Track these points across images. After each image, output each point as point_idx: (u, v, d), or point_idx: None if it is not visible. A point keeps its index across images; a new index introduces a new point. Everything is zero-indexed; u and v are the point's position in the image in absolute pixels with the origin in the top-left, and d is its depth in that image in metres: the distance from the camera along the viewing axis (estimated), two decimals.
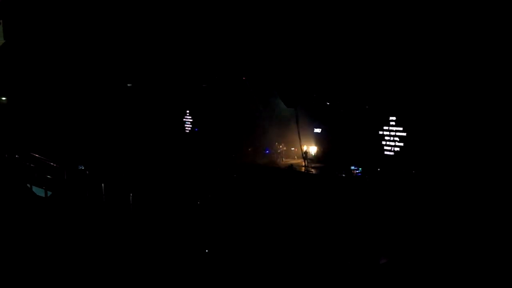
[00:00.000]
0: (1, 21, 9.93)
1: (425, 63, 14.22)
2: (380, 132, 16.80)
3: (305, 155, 19.65)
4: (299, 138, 19.37)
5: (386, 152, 16.58)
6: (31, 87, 14.49)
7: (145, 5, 13.03)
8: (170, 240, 7.66)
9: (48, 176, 9.13)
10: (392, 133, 16.44)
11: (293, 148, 21.46)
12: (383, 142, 16.71)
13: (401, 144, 16.13)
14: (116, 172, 12.42)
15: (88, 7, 12.03)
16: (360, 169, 16.97)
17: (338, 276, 7.26)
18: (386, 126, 16.62)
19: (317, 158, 20.18)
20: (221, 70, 20.97)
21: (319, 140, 20.52)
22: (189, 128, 25.71)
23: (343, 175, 16.71)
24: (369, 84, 16.47)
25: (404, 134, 16.03)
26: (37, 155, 9.78)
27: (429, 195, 12.39)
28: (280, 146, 21.08)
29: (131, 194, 8.74)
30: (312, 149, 20.69)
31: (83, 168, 10.88)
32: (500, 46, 12.25)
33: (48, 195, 8.75)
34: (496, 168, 12.50)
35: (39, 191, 8.78)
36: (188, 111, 25.66)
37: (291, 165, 18.83)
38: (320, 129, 20.48)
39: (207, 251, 7.55)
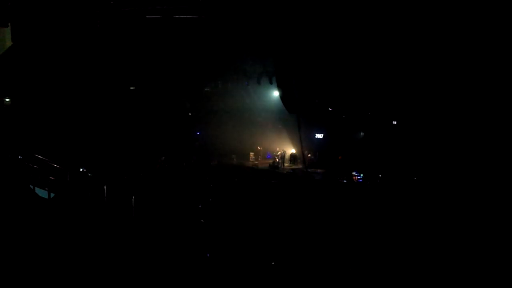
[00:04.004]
0: (9, 24, 10.08)
1: (428, 69, 14.28)
2: (382, 138, 16.85)
3: (306, 160, 19.69)
4: (301, 144, 19.42)
5: (387, 158, 16.60)
6: (36, 89, 14.60)
7: (148, 9, 13.14)
8: (171, 243, 7.68)
9: (51, 178, 9.17)
10: (394, 139, 16.49)
11: (293, 151, 21.55)
12: (385, 148, 16.75)
13: (403, 150, 16.16)
14: (118, 174, 12.47)
15: (93, 12, 12.15)
16: (361, 175, 17.00)
17: (339, 282, 7.26)
18: (388, 132, 16.68)
19: (318, 164, 20.24)
20: (223, 74, 21.08)
21: (321, 145, 20.59)
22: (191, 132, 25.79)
23: (344, 181, 16.73)
24: (371, 90, 16.53)
25: (406, 140, 16.08)
26: (40, 157, 9.82)
27: (431, 202, 12.39)
28: (282, 151, 21.15)
29: (133, 197, 8.78)
30: (313, 154, 20.77)
31: (85, 170, 10.91)
32: (503, 52, 12.30)
33: (52, 196, 8.78)
34: (501, 174, 12.47)
35: (42, 193, 8.82)
36: (190, 114, 25.76)
37: (293, 170, 18.87)
38: (322, 135, 20.56)
39: (208, 255, 7.57)
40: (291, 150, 21.93)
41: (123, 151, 16.88)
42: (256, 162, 21.63)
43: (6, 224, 6.82)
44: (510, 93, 12.49)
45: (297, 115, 19.84)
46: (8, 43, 10.47)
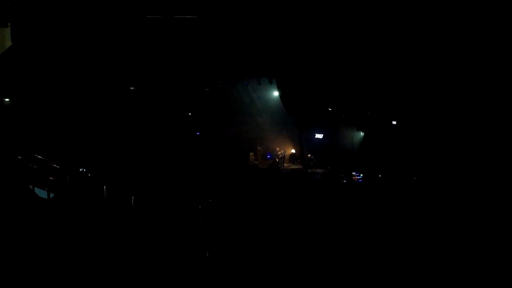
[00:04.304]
0: (9, 24, 10.09)
1: (427, 69, 14.28)
2: (382, 138, 16.85)
3: (306, 160, 19.72)
4: (301, 144, 19.44)
5: (387, 158, 16.60)
6: (36, 89, 14.59)
7: (148, 10, 13.15)
8: (171, 243, 7.68)
9: (51, 178, 9.16)
10: (394, 139, 16.49)
11: (293, 151, 21.58)
12: (385, 148, 16.75)
13: (403, 150, 16.16)
14: (118, 175, 12.45)
15: (93, 12, 12.16)
16: (361, 175, 17.01)
17: (339, 281, 7.26)
18: (388, 132, 16.67)
19: (318, 164, 20.25)
20: (223, 74, 21.07)
21: (321, 145, 20.61)
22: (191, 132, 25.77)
23: (344, 181, 16.73)
24: (371, 90, 16.53)
25: (406, 140, 16.08)
26: (39, 157, 9.80)
27: (431, 202, 12.38)
28: (282, 152, 21.17)
29: (133, 197, 8.78)
30: (313, 154, 20.76)
31: (84, 170, 10.89)
32: (503, 52, 12.30)
33: (51, 197, 8.77)
34: (500, 173, 12.46)
35: (41, 193, 8.80)
36: (189, 114, 25.76)
37: (292, 170, 18.87)
38: (322, 135, 20.59)
39: (208, 255, 7.57)
40: (291, 150, 21.93)
41: (123, 151, 16.87)
42: (256, 162, 21.64)
43: (6, 225, 6.81)
44: (510, 93, 12.49)
45: (297, 115, 19.90)
46: (8, 43, 10.49)
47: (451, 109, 14.13)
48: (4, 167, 8.88)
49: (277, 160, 20.78)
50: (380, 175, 16.31)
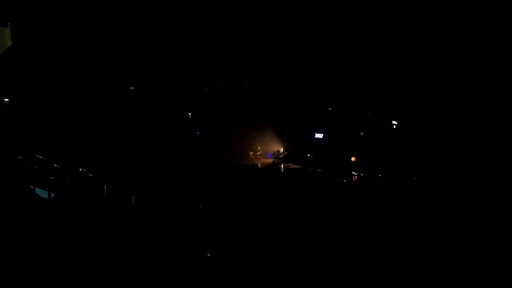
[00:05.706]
0: (9, 24, 10.10)
1: (427, 69, 14.29)
2: (382, 138, 16.85)
3: (306, 160, 19.72)
4: (300, 144, 19.43)
5: (387, 158, 16.60)
6: (36, 89, 14.61)
7: (148, 10, 13.16)
8: (171, 243, 7.68)
9: (51, 178, 9.15)
10: (394, 139, 16.49)
11: (293, 151, 21.58)
12: (385, 148, 16.75)
13: (402, 150, 16.16)
14: (119, 174, 12.45)
15: (93, 12, 12.17)
16: (361, 175, 17.00)
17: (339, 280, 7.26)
18: (388, 132, 16.67)
19: (318, 163, 20.23)
20: (223, 74, 21.08)
21: (321, 145, 20.60)
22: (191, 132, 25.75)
23: (344, 181, 16.72)
24: (371, 90, 16.55)
25: (406, 140, 16.08)
26: (40, 157, 9.79)
27: (430, 202, 12.39)
28: (282, 151, 21.17)
29: (133, 197, 8.76)
30: (313, 154, 20.75)
31: (85, 170, 10.89)
32: (503, 53, 12.32)
33: (52, 197, 8.76)
34: (497, 171, 12.48)
35: (42, 193, 8.80)
36: (190, 114, 25.73)
37: (292, 170, 18.86)
38: (322, 135, 20.58)
39: (209, 255, 7.57)
40: (290, 150, 21.92)
41: (123, 151, 16.87)
42: (256, 161, 21.65)
43: (6, 224, 6.81)
44: (510, 94, 12.51)
45: (297, 115, 19.91)
46: (8, 43, 10.49)
47: (451, 109, 14.15)
48: (4, 167, 8.87)
49: (276, 160, 20.79)
50: (380, 175, 16.31)
